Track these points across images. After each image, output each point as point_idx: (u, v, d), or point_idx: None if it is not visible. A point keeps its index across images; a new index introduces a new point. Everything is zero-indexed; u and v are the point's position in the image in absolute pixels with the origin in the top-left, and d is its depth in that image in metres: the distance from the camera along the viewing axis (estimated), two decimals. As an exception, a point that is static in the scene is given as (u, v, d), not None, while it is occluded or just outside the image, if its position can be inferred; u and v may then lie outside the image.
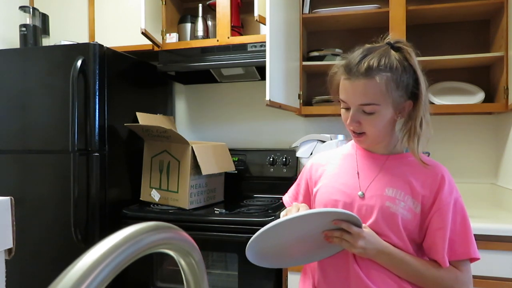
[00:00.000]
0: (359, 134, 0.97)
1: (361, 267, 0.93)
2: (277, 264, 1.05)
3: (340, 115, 1.01)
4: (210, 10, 2.23)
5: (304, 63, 2.03)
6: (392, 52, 0.94)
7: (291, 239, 0.94)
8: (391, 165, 0.98)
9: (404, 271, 0.92)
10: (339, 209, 0.90)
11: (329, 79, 1.02)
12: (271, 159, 2.22)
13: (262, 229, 0.87)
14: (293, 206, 0.98)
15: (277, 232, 0.89)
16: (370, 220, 0.93)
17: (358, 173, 1.00)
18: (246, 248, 0.91)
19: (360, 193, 0.97)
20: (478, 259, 0.92)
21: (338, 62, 1.00)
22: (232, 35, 2.09)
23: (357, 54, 0.95)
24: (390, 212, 0.92)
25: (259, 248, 0.93)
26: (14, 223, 0.64)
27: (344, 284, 0.94)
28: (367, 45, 0.97)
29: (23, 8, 2.15)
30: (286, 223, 0.85)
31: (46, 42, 2.25)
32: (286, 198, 1.20)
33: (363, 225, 0.92)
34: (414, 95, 0.94)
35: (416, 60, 0.95)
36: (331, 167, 1.06)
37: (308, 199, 1.11)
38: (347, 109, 0.96)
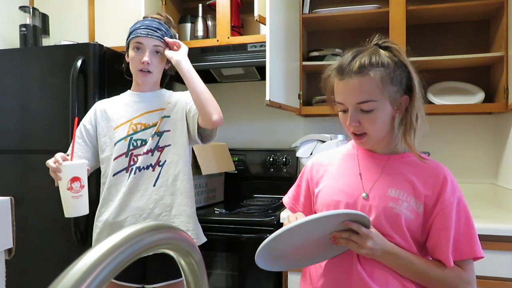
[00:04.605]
0: (360, 136, 0.96)
1: (364, 267, 0.92)
2: (282, 267, 1.04)
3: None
4: (210, 10, 2.23)
5: (304, 63, 2.03)
6: (381, 51, 0.95)
7: (298, 243, 0.93)
8: (393, 165, 0.98)
9: (409, 271, 0.92)
10: (352, 210, 0.89)
11: (322, 83, 1.03)
12: (271, 159, 2.22)
13: (275, 233, 0.86)
14: (290, 216, 0.99)
15: (289, 237, 0.88)
16: (374, 220, 0.93)
17: (360, 174, 1.00)
18: (257, 253, 0.90)
19: (364, 194, 0.96)
20: (482, 257, 0.92)
21: (330, 65, 1.01)
22: (232, 35, 2.08)
23: (347, 55, 0.96)
24: (393, 213, 0.92)
25: (268, 253, 0.92)
26: (14, 223, 0.64)
27: (345, 284, 0.94)
28: (356, 48, 0.98)
29: (23, 8, 2.15)
30: (300, 226, 0.84)
31: (46, 42, 2.25)
32: (286, 199, 1.18)
33: None
34: (409, 90, 0.95)
35: (406, 57, 0.96)
36: (332, 168, 1.06)
37: (309, 200, 1.10)
38: (345, 111, 0.96)
